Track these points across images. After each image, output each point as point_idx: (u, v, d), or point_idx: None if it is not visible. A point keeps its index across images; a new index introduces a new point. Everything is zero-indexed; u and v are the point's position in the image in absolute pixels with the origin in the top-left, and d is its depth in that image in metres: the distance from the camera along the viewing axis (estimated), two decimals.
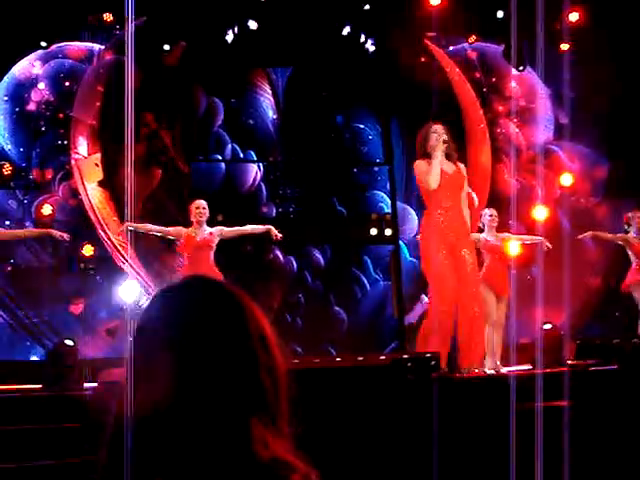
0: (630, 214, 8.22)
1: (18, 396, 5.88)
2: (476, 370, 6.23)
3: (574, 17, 9.90)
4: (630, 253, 8.11)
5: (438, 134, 6.50)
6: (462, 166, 6.69)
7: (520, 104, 10.70)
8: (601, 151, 10.51)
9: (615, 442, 4.40)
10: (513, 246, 7.69)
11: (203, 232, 7.22)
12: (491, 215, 7.40)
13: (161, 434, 1.18)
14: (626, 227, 8.20)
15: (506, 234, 7.61)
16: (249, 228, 7.48)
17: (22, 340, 9.20)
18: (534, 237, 7.96)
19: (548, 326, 7.02)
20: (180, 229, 7.36)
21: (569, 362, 6.63)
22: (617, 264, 9.83)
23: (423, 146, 6.55)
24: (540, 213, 9.58)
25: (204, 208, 7.26)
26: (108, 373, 5.84)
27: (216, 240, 7.22)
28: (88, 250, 9.21)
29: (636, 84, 10.01)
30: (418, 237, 6.86)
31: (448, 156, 6.53)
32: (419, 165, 6.54)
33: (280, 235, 7.40)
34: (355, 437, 4.75)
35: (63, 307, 9.19)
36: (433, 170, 6.38)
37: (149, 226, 7.53)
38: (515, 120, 10.68)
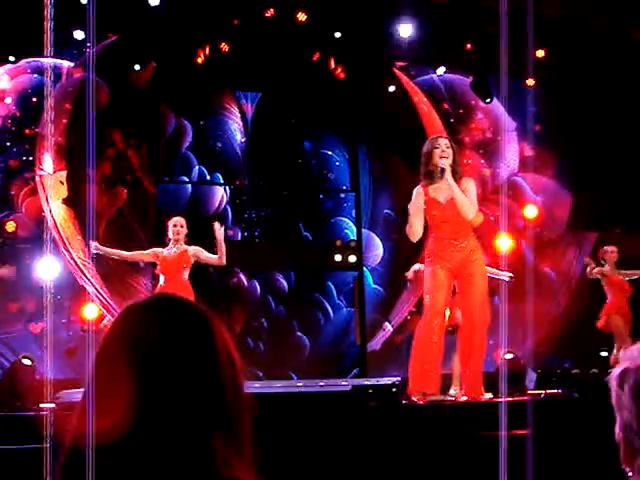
0: (605, 248, 8.34)
1: None
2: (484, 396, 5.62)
3: (540, 53, 10.10)
4: (606, 287, 8.23)
5: (441, 149, 5.63)
6: (469, 184, 5.75)
7: (486, 136, 10.84)
8: (565, 183, 10.67)
9: (575, 472, 4.42)
10: None
11: (178, 249, 6.95)
12: None
13: (123, 453, 1.16)
14: (601, 261, 8.31)
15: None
16: (215, 259, 7.01)
17: None
18: (499, 272, 7.93)
19: (510, 356, 7.07)
20: (156, 251, 7.04)
21: (530, 392, 6.67)
22: (581, 295, 9.96)
23: (426, 165, 5.67)
24: (504, 243, 9.63)
25: (182, 226, 7.01)
26: (67, 393, 5.74)
27: (192, 260, 6.97)
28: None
29: (599, 118, 10.20)
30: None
31: (452, 173, 5.63)
32: (416, 196, 5.66)
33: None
34: (315, 463, 4.72)
35: (22, 326, 9.04)
36: (413, 225, 5.58)
37: (123, 253, 7.15)
38: (481, 151, 10.81)
